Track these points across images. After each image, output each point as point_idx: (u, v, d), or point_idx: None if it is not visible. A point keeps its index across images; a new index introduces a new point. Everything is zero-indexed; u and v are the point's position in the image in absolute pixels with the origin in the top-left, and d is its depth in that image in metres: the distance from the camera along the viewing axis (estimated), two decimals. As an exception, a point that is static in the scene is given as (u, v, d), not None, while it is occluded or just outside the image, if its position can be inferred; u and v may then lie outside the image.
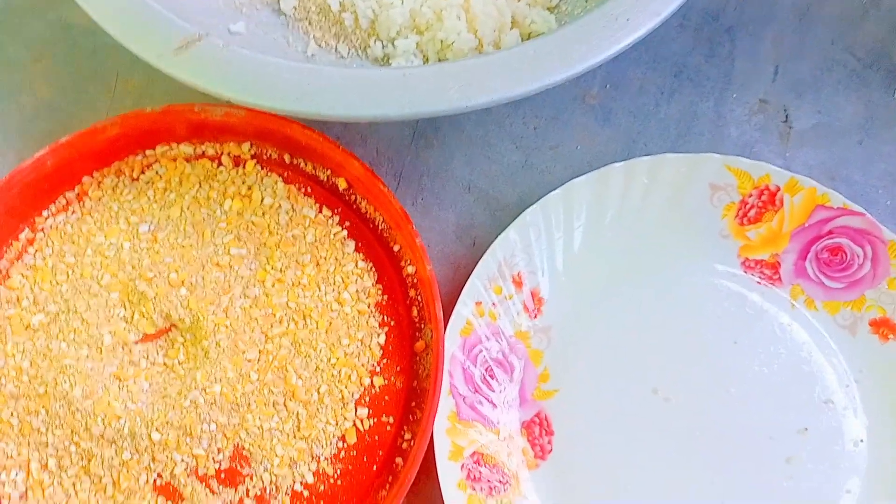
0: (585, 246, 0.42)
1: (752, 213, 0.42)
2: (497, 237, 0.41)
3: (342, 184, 0.44)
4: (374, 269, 0.43)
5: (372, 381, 0.41)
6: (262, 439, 0.39)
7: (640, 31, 0.35)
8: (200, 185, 0.44)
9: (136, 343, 0.41)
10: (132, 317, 0.41)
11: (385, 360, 0.42)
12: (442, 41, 0.43)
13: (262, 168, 0.45)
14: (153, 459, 0.39)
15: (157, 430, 0.39)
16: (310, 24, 0.46)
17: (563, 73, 0.35)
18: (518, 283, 0.41)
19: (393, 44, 0.44)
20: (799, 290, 0.42)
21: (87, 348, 0.40)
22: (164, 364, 0.41)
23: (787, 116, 0.46)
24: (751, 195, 0.42)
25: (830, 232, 0.41)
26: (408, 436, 0.40)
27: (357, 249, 0.44)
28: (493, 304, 0.41)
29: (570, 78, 0.35)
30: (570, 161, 0.46)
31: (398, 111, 0.35)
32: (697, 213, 0.42)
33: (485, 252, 0.41)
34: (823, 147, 0.46)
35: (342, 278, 0.43)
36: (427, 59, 0.44)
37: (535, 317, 0.42)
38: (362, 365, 0.41)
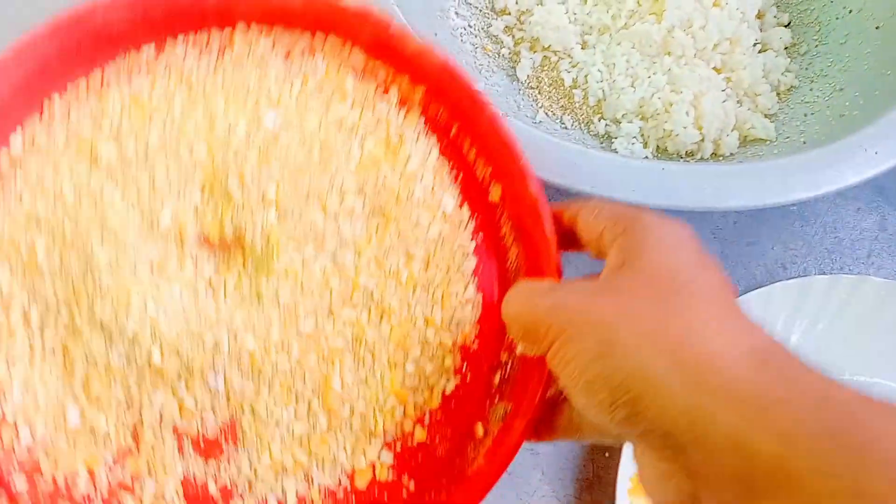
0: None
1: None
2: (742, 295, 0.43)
3: (496, 193, 0.36)
4: (480, 305, 0.35)
5: (413, 431, 0.33)
6: (264, 427, 0.32)
7: (890, 164, 0.38)
8: (354, 104, 0.36)
9: (193, 243, 0.34)
10: (203, 211, 0.34)
11: (439, 416, 0.34)
12: (665, 130, 0.46)
13: (426, 125, 0.37)
14: (137, 382, 0.32)
15: (160, 349, 0.31)
16: (539, 93, 0.50)
17: (809, 194, 0.38)
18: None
19: (617, 124, 0.48)
20: None
21: (140, 215, 0.33)
22: (209, 282, 0.33)
23: None
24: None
25: None
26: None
27: (474, 272, 0.35)
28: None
29: (810, 199, 0.38)
30: (765, 259, 0.48)
31: (657, 201, 0.37)
32: (889, 336, 0.44)
33: None
34: None
35: (443, 297, 0.35)
36: (647, 144, 0.47)
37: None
38: (413, 404, 0.33)
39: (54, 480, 0.31)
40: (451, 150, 0.37)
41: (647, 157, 0.46)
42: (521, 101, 0.49)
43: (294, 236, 0.33)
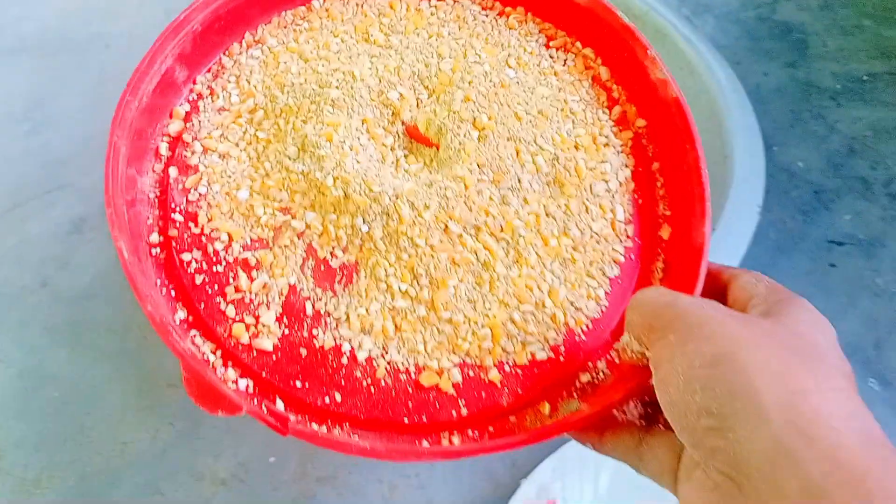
0: (613, 485, 0.44)
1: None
2: (538, 465, 0.43)
3: (666, 232, 0.38)
4: (603, 308, 0.37)
5: (490, 369, 0.35)
6: (374, 286, 0.35)
7: None
8: (581, 101, 0.41)
9: (401, 125, 0.38)
10: (423, 107, 0.39)
11: (519, 372, 0.35)
12: None
13: (631, 147, 0.40)
14: (303, 194, 0.36)
15: (335, 178, 0.35)
16: None
17: None
18: (552, 508, 0.42)
19: None
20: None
21: (377, 82, 0.39)
22: (397, 158, 0.38)
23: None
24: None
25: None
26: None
27: (612, 280, 0.37)
28: (531, 523, 0.42)
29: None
30: None
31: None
32: None
33: (525, 475, 0.43)
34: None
35: (575, 281, 0.37)
36: None
37: (562, 540, 0.42)
38: (503, 348, 0.35)
39: (202, 230, 0.35)
40: (643, 176, 0.40)
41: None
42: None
43: (482, 160, 0.37)
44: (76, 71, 0.61)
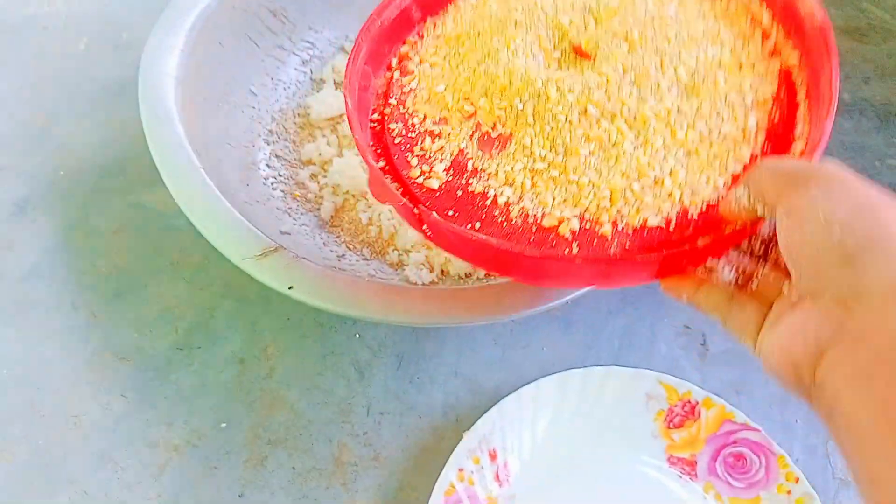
0: (548, 433, 0.50)
1: (676, 419, 0.50)
2: (480, 417, 0.48)
3: (797, 149, 0.41)
4: (719, 197, 0.40)
5: (604, 225, 0.40)
6: (520, 151, 0.43)
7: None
8: (736, 35, 0.45)
9: (568, 45, 0.46)
10: (587, 28, 0.46)
11: (629, 232, 0.40)
12: (445, 257, 0.55)
13: (780, 71, 0.44)
14: (482, 86, 0.46)
15: (505, 73, 0.44)
16: (342, 230, 0.58)
17: (534, 309, 0.45)
18: (493, 457, 0.48)
19: (407, 253, 0.56)
20: (710, 485, 0.49)
21: (553, 9, 0.47)
22: (557, 66, 0.46)
23: (704, 340, 0.56)
24: (676, 405, 0.50)
25: (735, 441, 0.49)
26: None
27: (734, 175, 0.41)
28: (472, 472, 0.47)
29: (537, 312, 0.45)
30: (537, 359, 0.54)
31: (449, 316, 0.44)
32: (635, 415, 0.50)
33: (467, 428, 0.48)
34: (733, 366, 0.54)
35: (697, 168, 0.40)
36: (433, 269, 0.55)
37: (503, 486, 0.48)
38: (619, 210, 0.40)
39: (407, 111, 0.48)
40: (785, 100, 0.43)
41: (433, 280, 0.54)
42: (325, 237, 0.57)
43: (627, 65, 0.43)
44: (12, 53, 0.61)
